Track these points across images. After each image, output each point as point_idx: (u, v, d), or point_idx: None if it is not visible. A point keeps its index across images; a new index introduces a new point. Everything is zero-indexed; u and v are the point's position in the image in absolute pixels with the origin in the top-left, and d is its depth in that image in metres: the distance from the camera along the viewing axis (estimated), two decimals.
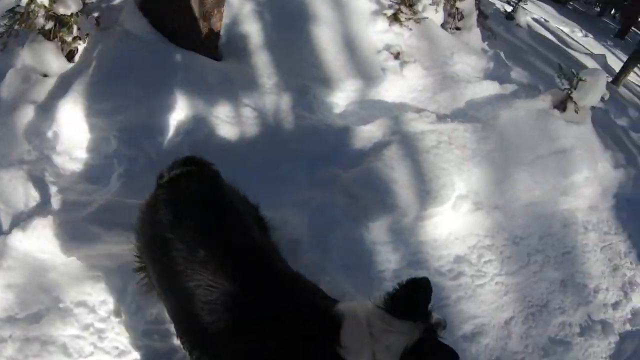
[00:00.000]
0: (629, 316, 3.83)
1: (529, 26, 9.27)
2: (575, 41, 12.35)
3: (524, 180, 3.86)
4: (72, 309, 2.44)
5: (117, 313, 2.51)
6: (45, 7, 3.84)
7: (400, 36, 4.71)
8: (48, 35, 4.00)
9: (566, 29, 13.34)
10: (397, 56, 4.49)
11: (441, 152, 3.27)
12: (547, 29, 11.38)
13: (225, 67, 3.90)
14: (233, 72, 3.83)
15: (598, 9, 25.13)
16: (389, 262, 2.92)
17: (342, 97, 4.03)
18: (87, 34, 4.15)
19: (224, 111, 3.48)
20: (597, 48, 13.03)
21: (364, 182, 2.96)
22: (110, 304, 2.52)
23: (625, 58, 12.43)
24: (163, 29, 3.99)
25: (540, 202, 4.13)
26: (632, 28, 21.32)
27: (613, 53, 13.75)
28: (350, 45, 4.45)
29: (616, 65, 11.31)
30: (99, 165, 3.38)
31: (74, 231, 2.67)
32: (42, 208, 2.94)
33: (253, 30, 4.29)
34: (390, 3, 4.98)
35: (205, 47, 4.04)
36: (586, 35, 14.14)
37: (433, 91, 4.36)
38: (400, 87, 4.27)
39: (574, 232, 4.34)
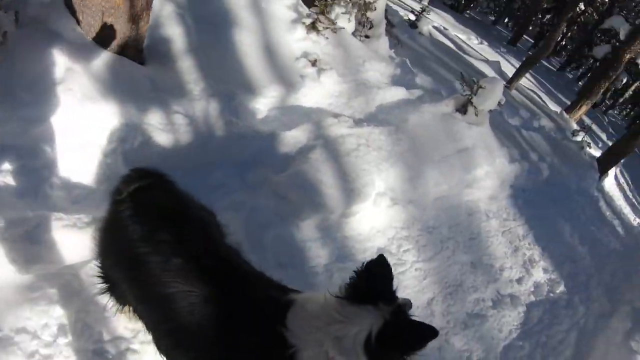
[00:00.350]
0: (532, 289, 4.47)
1: (430, 34, 9.98)
2: (472, 48, 13.44)
3: (433, 176, 4.30)
4: (13, 337, 2.28)
5: (62, 335, 2.36)
6: None
7: (317, 44, 4.92)
8: None
9: (463, 37, 14.49)
10: (314, 63, 4.69)
11: (361, 154, 3.58)
12: (446, 36, 12.32)
13: (151, 72, 3.85)
14: (160, 77, 3.82)
15: (493, 18, 27.32)
16: (320, 258, 3.16)
17: (264, 103, 4.13)
18: (5, 32, 3.67)
19: (155, 118, 3.47)
20: (492, 54, 14.28)
21: (293, 184, 3.18)
22: (54, 326, 2.37)
23: (516, 64, 13.78)
24: (90, 29, 3.78)
25: (447, 195, 4.62)
26: (524, 36, 23.35)
27: (506, 59, 15.15)
28: (271, 52, 4.56)
29: (509, 70, 12.50)
30: (27, 177, 3.12)
31: (5, 252, 2.51)
32: None
33: (175, 33, 4.27)
34: (309, 12, 5.17)
35: (131, 51, 3.94)
36: (481, 43, 15.44)
37: (348, 97, 4.64)
38: (317, 93, 4.48)
39: (478, 220, 4.91)
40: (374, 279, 1.59)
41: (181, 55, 4.06)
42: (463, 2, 22.57)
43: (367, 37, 6.37)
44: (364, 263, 1.63)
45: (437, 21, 13.56)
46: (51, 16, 3.70)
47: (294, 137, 3.63)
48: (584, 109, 11.83)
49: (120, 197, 1.92)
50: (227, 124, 3.64)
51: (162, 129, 3.42)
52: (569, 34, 27.55)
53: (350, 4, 6.05)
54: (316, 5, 5.29)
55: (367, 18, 6.38)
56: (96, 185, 3.12)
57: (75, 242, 2.61)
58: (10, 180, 3.05)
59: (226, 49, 4.31)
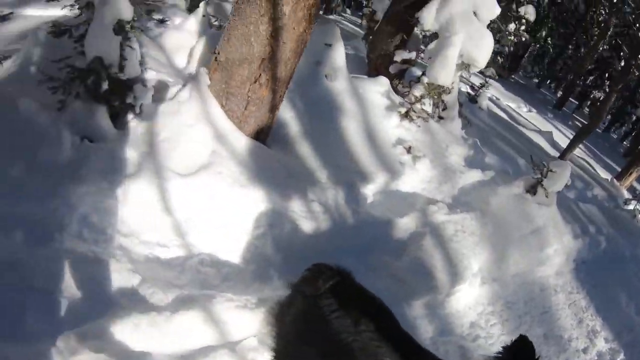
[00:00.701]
0: (596, 358, 4.70)
1: (487, 107, 10.37)
2: (523, 117, 13.76)
3: (513, 255, 4.64)
4: None
5: None
6: (109, 68, 3.65)
7: (410, 131, 5.31)
8: (101, 98, 3.71)
9: (513, 105, 14.85)
10: (409, 150, 5.05)
11: (459, 239, 4.00)
12: (499, 107, 12.70)
13: (281, 157, 4.07)
14: (290, 163, 4.08)
15: (536, 81, 27.44)
16: (427, 333, 3.52)
17: (371, 189, 4.44)
18: (142, 104, 3.93)
19: (297, 206, 3.70)
20: (542, 123, 14.55)
21: (410, 269, 3.61)
22: None
23: (564, 130, 13.97)
24: (232, 115, 3.94)
25: (523, 272, 4.93)
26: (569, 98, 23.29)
27: (554, 126, 15.35)
28: (372, 138, 4.89)
29: (560, 139, 12.68)
30: (176, 252, 3.25)
31: (166, 326, 2.59)
32: (122, 299, 2.77)
33: (288, 117, 4.57)
34: (401, 101, 5.59)
35: (263, 136, 4.14)
36: (530, 110, 15.74)
37: (438, 182, 5.00)
38: (413, 179, 4.83)
39: (548, 295, 5.17)
40: (521, 352, 2.02)
41: (298, 139, 4.46)
42: (507, 67, 22.92)
43: (441, 118, 6.74)
44: (511, 340, 2.08)
45: (489, 91, 13.96)
46: (192, 96, 3.86)
47: (405, 224, 4.04)
48: (633, 175, 11.81)
49: (320, 292, 2.27)
50: (351, 211, 4.01)
51: (304, 217, 3.68)
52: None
53: (429, 87, 6.51)
54: (407, 94, 5.78)
55: (442, 100, 6.80)
56: (244, 265, 3.35)
57: (243, 322, 2.77)
58: (160, 254, 3.21)
59: (335, 135, 4.74)
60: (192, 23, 5.40)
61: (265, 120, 4.12)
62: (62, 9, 3.90)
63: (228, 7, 8.74)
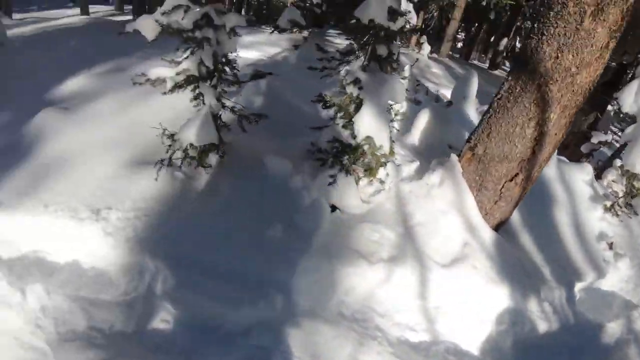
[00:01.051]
0: None
1: None
2: None
3: None
4: None
5: None
6: (378, 148, 3.74)
7: (611, 225, 5.21)
8: (351, 169, 3.86)
9: None
10: (610, 246, 4.98)
11: None
12: None
13: (513, 250, 3.98)
14: (521, 257, 4.02)
15: None
16: None
17: (579, 286, 4.36)
18: (392, 182, 4.06)
19: (533, 305, 3.72)
20: None
21: None
22: None
23: None
24: (480, 207, 3.89)
25: None
26: None
27: None
28: (579, 230, 4.79)
29: None
30: (421, 334, 3.26)
31: None
32: None
33: None
34: (606, 192, 5.55)
35: (498, 227, 4.05)
36: None
37: (635, 283, 4.84)
38: (614, 277, 4.71)
39: None
40: None
41: (519, 229, 4.48)
42: None
43: (630, 205, 6.64)
44: None
45: None
46: (445, 183, 3.89)
47: (611, 329, 4.19)
48: None
49: None
50: (572, 311, 4.09)
51: (538, 317, 3.70)
52: None
53: (624, 174, 6.43)
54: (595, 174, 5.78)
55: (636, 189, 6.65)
56: (482, 357, 3.48)
57: None
58: (409, 337, 3.26)
59: (548, 225, 4.76)
60: None
61: (507, 214, 4.21)
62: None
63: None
